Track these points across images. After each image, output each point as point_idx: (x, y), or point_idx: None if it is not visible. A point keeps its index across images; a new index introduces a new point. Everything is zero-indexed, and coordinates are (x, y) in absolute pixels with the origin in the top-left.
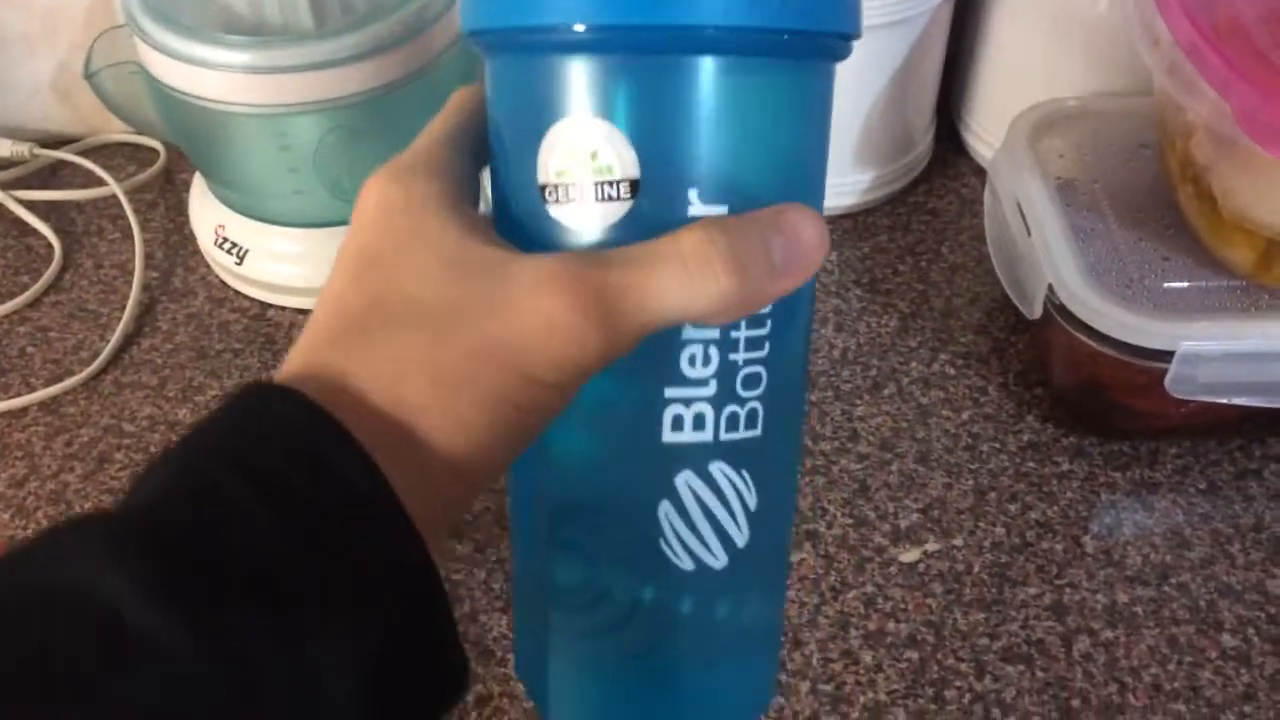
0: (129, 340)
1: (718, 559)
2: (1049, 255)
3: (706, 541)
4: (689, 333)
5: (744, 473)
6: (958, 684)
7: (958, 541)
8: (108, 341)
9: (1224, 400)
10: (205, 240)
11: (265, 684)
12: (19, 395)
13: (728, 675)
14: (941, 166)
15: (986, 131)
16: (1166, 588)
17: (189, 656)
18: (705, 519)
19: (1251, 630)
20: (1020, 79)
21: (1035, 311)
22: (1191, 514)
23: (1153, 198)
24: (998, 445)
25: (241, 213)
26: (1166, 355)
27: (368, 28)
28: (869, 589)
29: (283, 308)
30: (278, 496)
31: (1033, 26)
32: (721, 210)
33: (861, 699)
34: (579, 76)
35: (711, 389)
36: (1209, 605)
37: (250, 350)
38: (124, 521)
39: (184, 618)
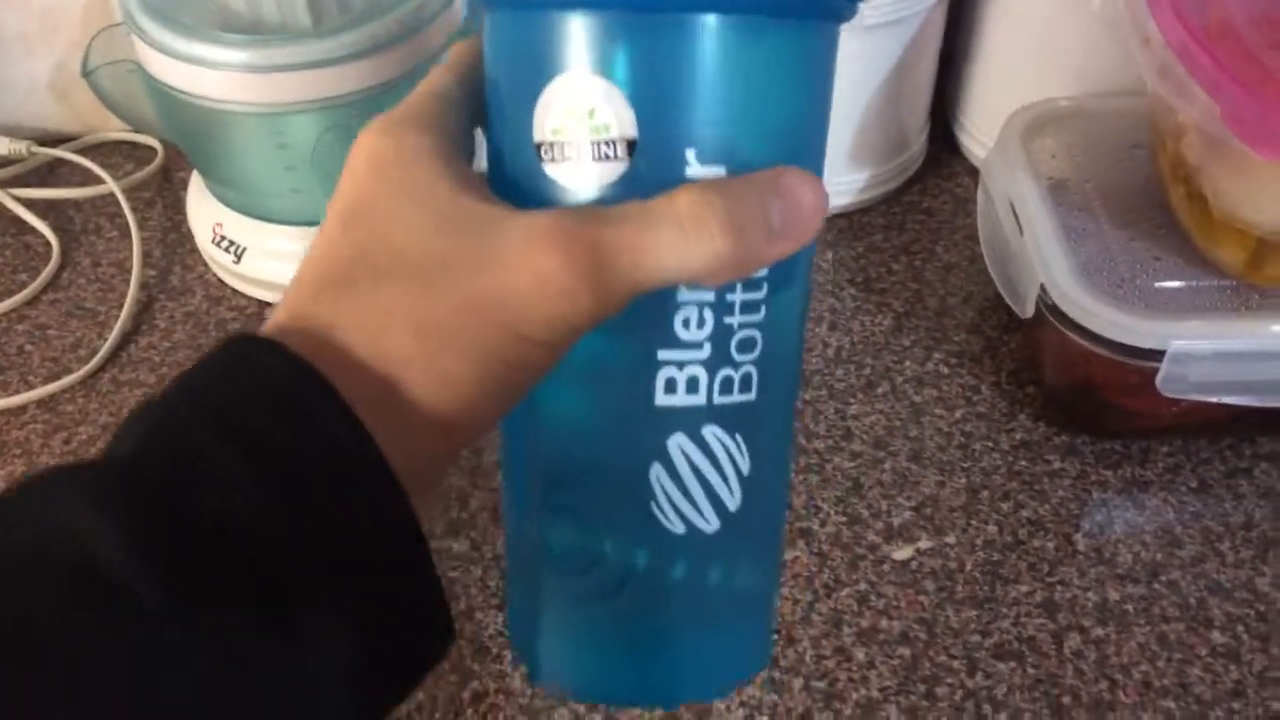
0: (127, 338)
1: (709, 522)
2: (1041, 255)
3: (698, 505)
4: (684, 294)
5: (737, 436)
6: (949, 681)
7: (950, 539)
8: (105, 339)
9: (1214, 399)
10: (203, 238)
11: (247, 646)
12: (17, 393)
13: (721, 639)
14: (936, 166)
15: (980, 131)
16: (1157, 585)
17: (169, 614)
18: (697, 482)
19: (1241, 628)
20: (1014, 79)
21: (1027, 311)
22: (1182, 512)
23: (1145, 198)
24: (990, 444)
25: (239, 211)
26: (1158, 355)
27: (365, 26)
28: (862, 586)
29: None
30: (260, 452)
31: (1026, 27)
32: (719, 172)
33: (854, 696)
34: (578, 32)
35: (706, 352)
36: (1199, 603)
37: None
38: (106, 473)
39: (164, 573)
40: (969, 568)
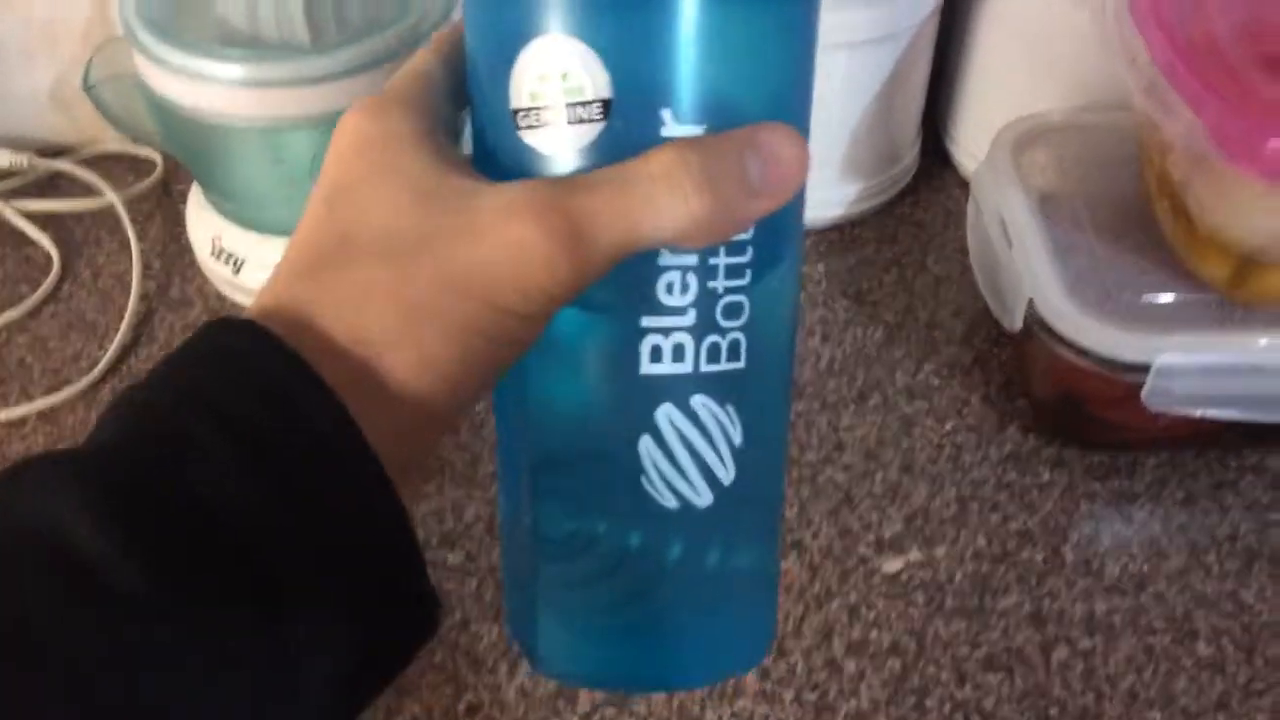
0: (127, 350)
1: (702, 497)
2: (1030, 269)
3: (690, 478)
4: (666, 259)
5: (728, 407)
6: (939, 692)
7: (940, 551)
8: (106, 351)
9: (1199, 413)
10: (202, 250)
11: (240, 640)
12: (18, 405)
13: (721, 622)
14: (927, 179)
15: (972, 144)
16: (1143, 597)
17: (161, 612)
18: (688, 454)
19: (1226, 640)
20: (1004, 93)
21: (1016, 324)
22: (1169, 524)
23: (1132, 212)
24: (980, 455)
25: (238, 223)
26: (1143, 369)
27: (363, 42)
28: (853, 598)
29: None
30: (245, 438)
31: (1017, 41)
32: (697, 131)
33: (844, 707)
34: None
35: (690, 318)
36: (1185, 615)
37: None
38: (90, 462)
39: (154, 570)
40: (958, 579)
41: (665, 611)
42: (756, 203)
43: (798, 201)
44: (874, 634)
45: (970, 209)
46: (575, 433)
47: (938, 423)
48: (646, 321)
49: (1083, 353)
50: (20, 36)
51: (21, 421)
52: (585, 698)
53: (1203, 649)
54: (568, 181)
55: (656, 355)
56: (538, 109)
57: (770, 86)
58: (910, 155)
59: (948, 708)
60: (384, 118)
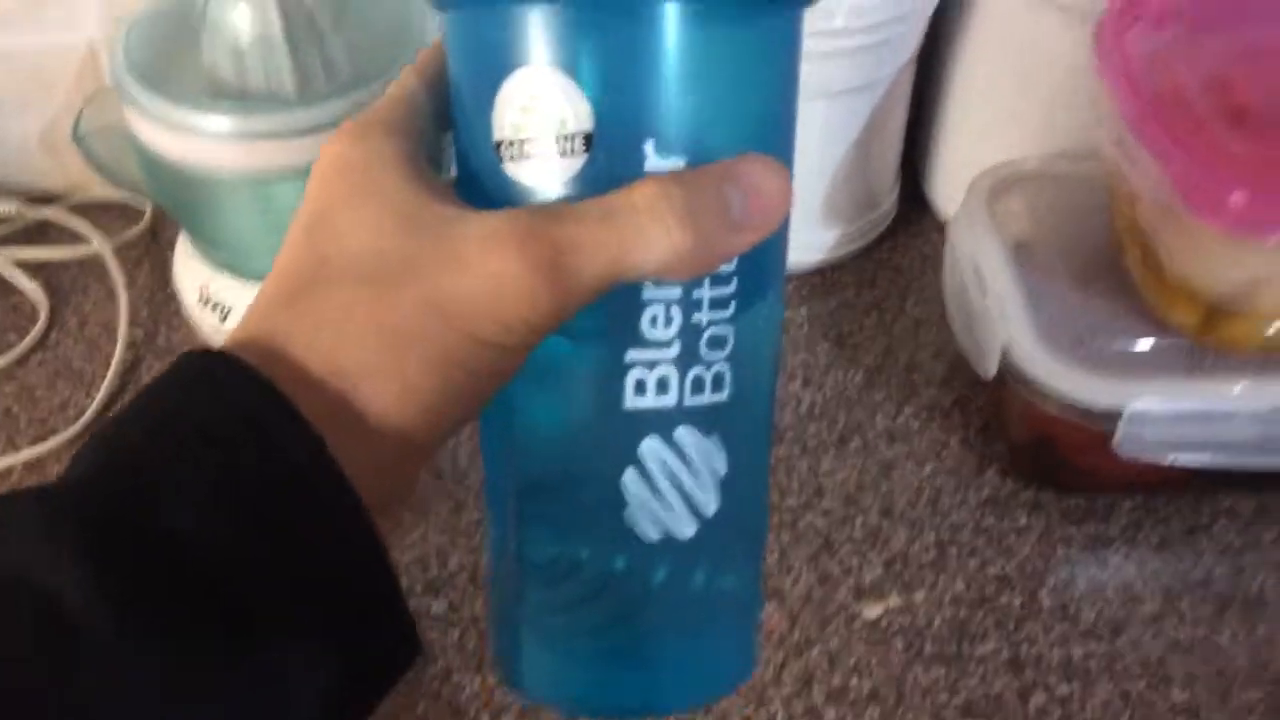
0: (114, 399)
1: (686, 528)
2: (1004, 316)
3: (674, 510)
4: (649, 293)
5: (713, 438)
6: None
7: (919, 596)
8: (93, 400)
9: (1171, 459)
10: (190, 298)
11: (216, 677)
12: (4, 455)
13: (704, 647)
14: (906, 223)
15: (949, 189)
16: (1119, 642)
17: (135, 653)
18: (672, 487)
19: (1200, 685)
20: (980, 141)
21: (991, 371)
22: (1144, 569)
23: (1105, 258)
24: (959, 499)
25: (226, 271)
26: (1116, 415)
27: (350, 95)
28: (833, 645)
29: None
30: (217, 472)
31: (991, 90)
32: (680, 164)
33: None
34: (531, 27)
35: (674, 350)
36: (1159, 660)
37: None
38: (63, 499)
39: (126, 610)
40: (937, 625)
41: (648, 636)
42: (740, 236)
43: (782, 231)
44: (854, 681)
45: (946, 256)
46: (558, 464)
47: (917, 466)
48: (631, 355)
49: (1056, 399)
50: (11, 83)
51: (8, 471)
52: None
53: (1177, 694)
54: (551, 212)
55: (640, 389)
56: (520, 141)
57: (753, 119)
58: (889, 201)
59: None
60: (365, 141)
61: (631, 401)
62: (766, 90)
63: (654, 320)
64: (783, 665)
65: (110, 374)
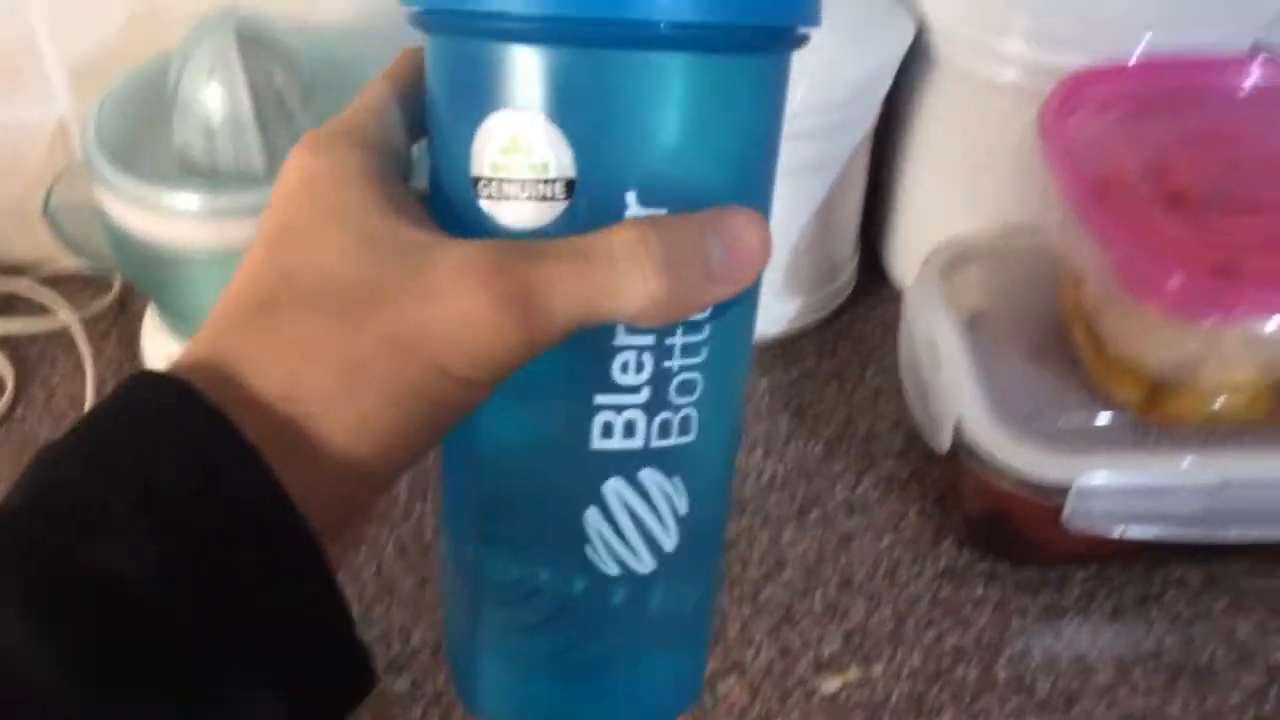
0: None
1: (644, 564)
2: (956, 391)
3: (634, 548)
4: (622, 339)
5: (675, 479)
6: None
7: (877, 669)
8: None
9: (1119, 532)
10: None
11: (160, 716)
12: None
13: (654, 672)
14: (866, 293)
15: (906, 261)
16: (1074, 713)
17: (76, 701)
18: (633, 525)
19: None
20: (934, 216)
21: (944, 444)
22: (1096, 639)
23: (1053, 333)
24: (917, 571)
25: None
26: (1064, 489)
27: None
28: (794, 718)
29: None
30: (163, 506)
31: (944, 167)
32: (660, 213)
33: None
34: (517, 67)
35: (644, 396)
36: None
37: None
38: (2, 538)
39: (63, 655)
40: (894, 699)
41: (602, 660)
42: (718, 287)
43: (757, 279)
44: None
45: (902, 330)
46: (521, 495)
47: (876, 538)
48: (599, 399)
49: (1007, 474)
50: None
51: None
52: None
53: None
54: (525, 248)
55: (608, 431)
56: (499, 181)
57: (737, 169)
58: (848, 272)
59: None
60: (334, 153)
61: (598, 443)
62: (751, 138)
63: (625, 366)
64: None
65: None
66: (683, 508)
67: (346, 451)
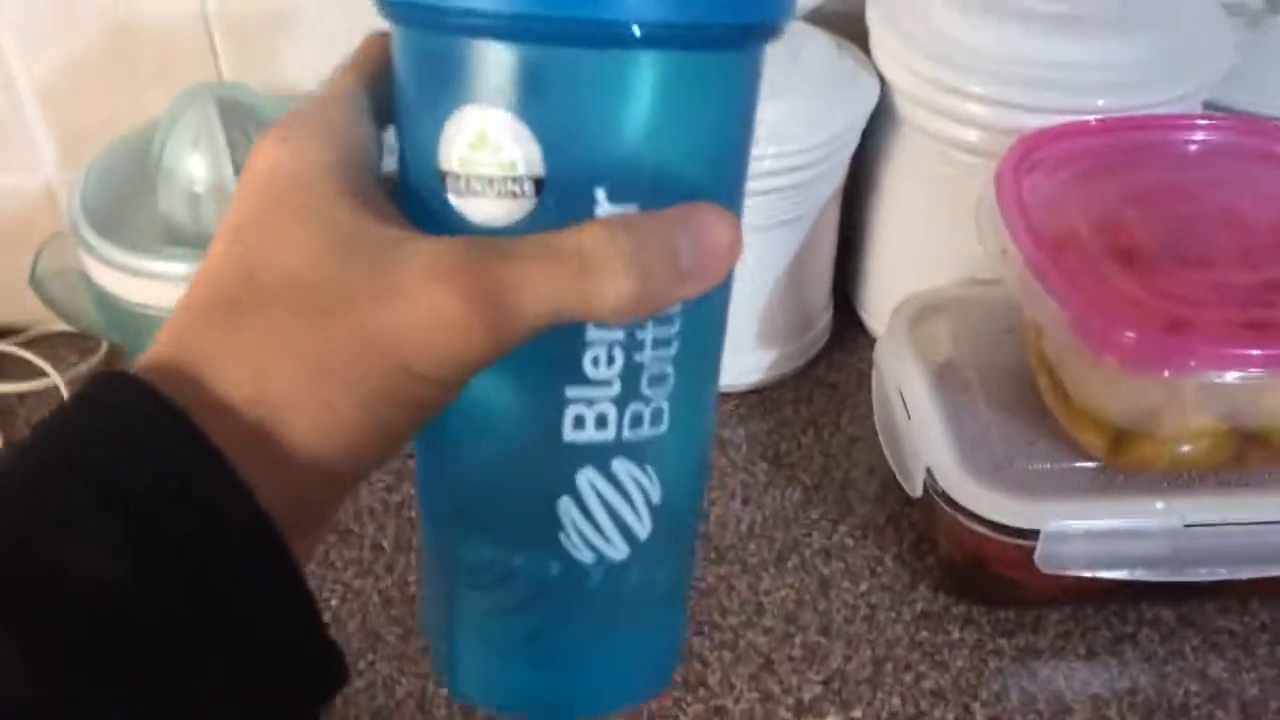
0: None
1: (618, 551)
2: (927, 439)
3: (608, 536)
4: (592, 333)
5: (647, 469)
6: None
7: (857, 713)
8: None
9: (1089, 574)
10: None
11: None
12: None
13: (631, 653)
14: (840, 342)
15: (879, 310)
16: None
17: (41, 700)
18: (606, 515)
19: None
20: (904, 266)
21: (917, 491)
22: (1072, 679)
23: (1020, 382)
24: (894, 615)
25: None
26: (1035, 534)
27: None
28: None
29: None
30: (129, 510)
31: (912, 221)
32: (631, 209)
33: None
34: (484, 64)
35: (615, 389)
36: None
37: None
38: None
39: (30, 663)
40: None
41: (577, 643)
42: (687, 285)
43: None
44: None
45: (874, 379)
46: (495, 485)
47: (853, 583)
48: (571, 392)
49: (978, 519)
50: None
51: None
52: None
53: None
54: (495, 246)
55: (580, 423)
56: (467, 177)
57: (708, 166)
58: (823, 321)
59: None
60: (301, 146)
61: (570, 435)
62: (721, 135)
63: (595, 360)
64: None
65: None
66: (656, 497)
67: (314, 452)
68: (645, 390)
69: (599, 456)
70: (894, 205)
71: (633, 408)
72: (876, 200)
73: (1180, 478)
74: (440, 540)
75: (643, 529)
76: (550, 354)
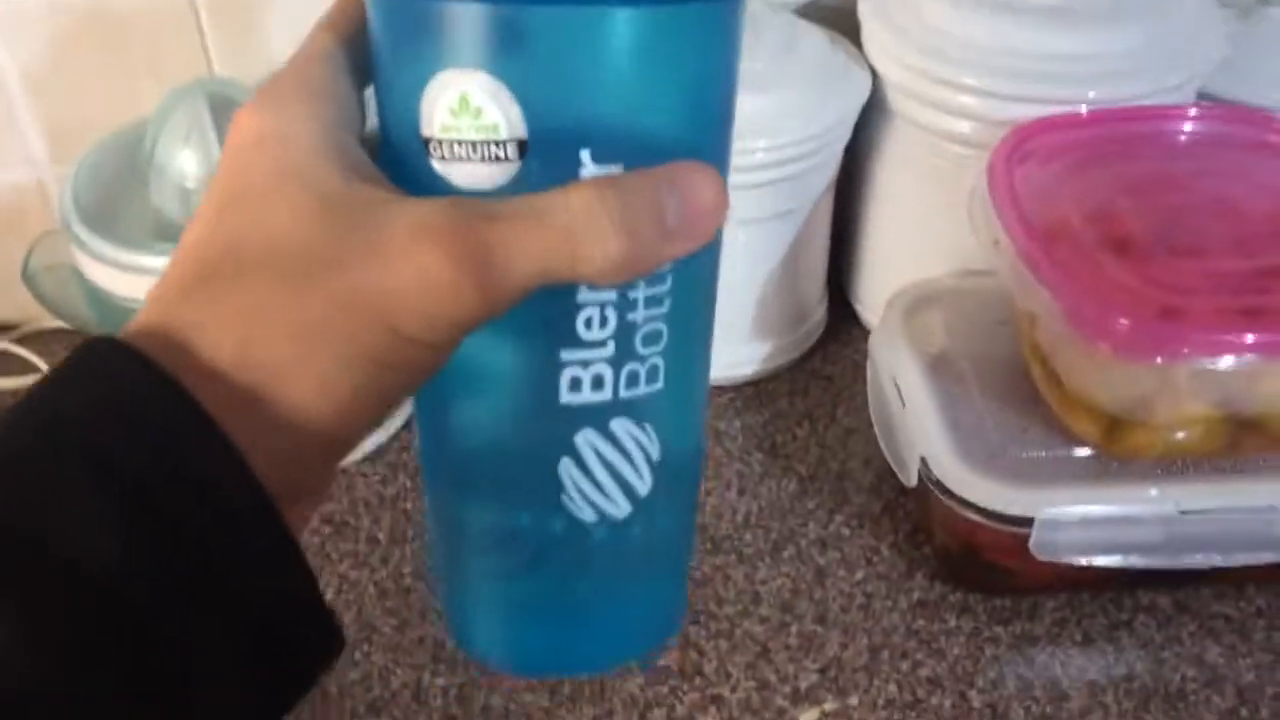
0: None
1: (620, 509)
2: (921, 428)
3: (609, 494)
4: (585, 295)
5: (646, 426)
6: None
7: (853, 700)
8: None
9: (1084, 561)
10: None
11: (127, 698)
12: None
13: (637, 606)
14: (835, 333)
15: (874, 302)
16: None
17: (37, 688)
18: (607, 473)
19: None
20: (898, 259)
21: (911, 480)
22: (1068, 666)
23: (1014, 371)
24: (890, 604)
25: None
26: (1029, 521)
27: None
28: None
29: None
30: (119, 480)
31: (905, 213)
32: (616, 170)
33: None
34: (463, 25)
35: (610, 350)
36: None
37: None
38: None
39: (24, 636)
40: None
41: (583, 600)
42: (673, 244)
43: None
44: None
45: (869, 369)
46: (495, 449)
47: (849, 572)
48: (566, 355)
49: (974, 508)
50: None
51: None
52: None
53: None
54: (483, 209)
55: (576, 385)
56: (450, 142)
57: (689, 124)
58: (818, 314)
59: None
60: (282, 111)
61: (566, 397)
62: (704, 92)
63: (589, 322)
64: None
65: None
66: (655, 454)
67: (304, 418)
68: (640, 349)
69: (597, 417)
70: (887, 198)
71: (628, 367)
72: (870, 193)
73: (1174, 465)
74: (444, 505)
75: (644, 486)
76: (543, 318)
